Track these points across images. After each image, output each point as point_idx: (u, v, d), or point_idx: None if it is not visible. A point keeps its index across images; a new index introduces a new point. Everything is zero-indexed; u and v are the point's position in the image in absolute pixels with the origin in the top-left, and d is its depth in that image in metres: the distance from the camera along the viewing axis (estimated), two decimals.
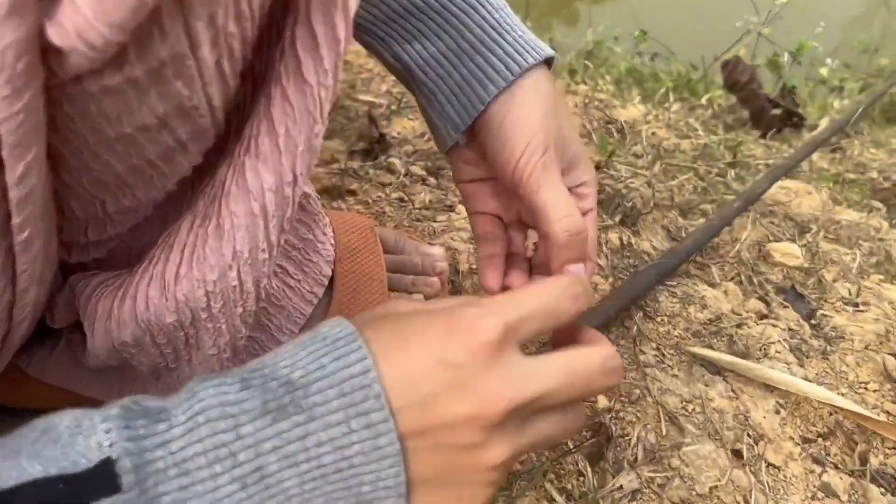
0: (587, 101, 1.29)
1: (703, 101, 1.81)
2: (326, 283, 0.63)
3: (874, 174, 1.51)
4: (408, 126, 1.13)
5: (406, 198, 0.92)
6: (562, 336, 0.45)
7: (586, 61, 1.75)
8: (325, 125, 0.43)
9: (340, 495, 0.37)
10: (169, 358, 0.51)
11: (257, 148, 0.41)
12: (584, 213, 0.51)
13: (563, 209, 0.46)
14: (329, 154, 1.05)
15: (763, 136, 1.66)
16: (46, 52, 0.30)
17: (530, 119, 0.47)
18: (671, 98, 1.60)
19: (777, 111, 1.79)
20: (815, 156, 1.55)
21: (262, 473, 0.36)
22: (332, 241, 0.64)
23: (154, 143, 0.40)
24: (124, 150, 0.40)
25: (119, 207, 0.47)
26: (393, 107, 1.20)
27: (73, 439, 0.32)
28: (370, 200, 0.91)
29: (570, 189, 0.50)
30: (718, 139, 1.34)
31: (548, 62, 0.51)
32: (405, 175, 0.97)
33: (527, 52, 0.49)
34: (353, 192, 0.92)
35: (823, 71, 2.68)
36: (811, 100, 2.34)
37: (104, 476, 0.32)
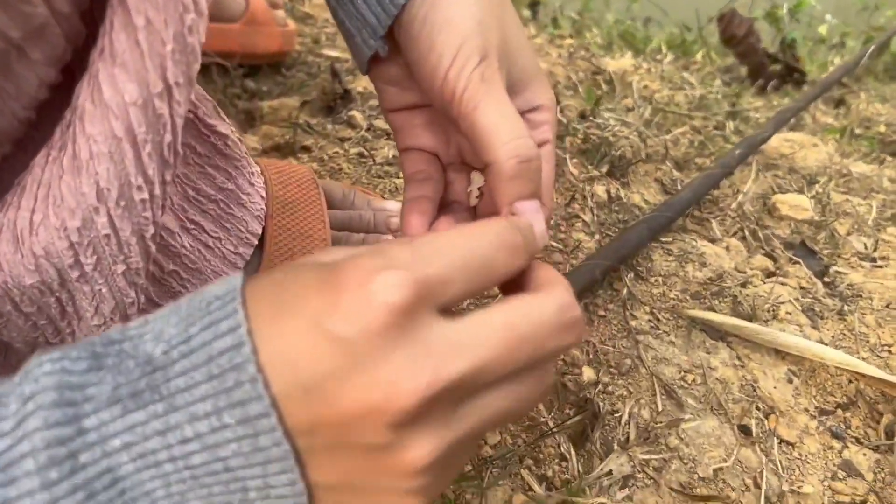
0: (572, 50, 1.19)
1: (699, 57, 1.71)
2: (255, 241, 0.53)
3: (882, 128, 1.42)
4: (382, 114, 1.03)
5: (366, 153, 0.82)
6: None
7: (574, 15, 1.64)
8: (204, 17, 0.33)
9: (223, 500, 0.27)
10: (46, 331, 0.41)
11: (112, 47, 0.32)
12: (538, 147, 0.39)
13: (509, 130, 0.35)
14: (287, 112, 0.94)
15: (762, 91, 1.56)
16: None
17: (462, 16, 0.36)
18: (664, 50, 1.49)
19: (776, 67, 1.69)
20: (818, 112, 1.46)
21: (114, 477, 0.26)
22: (263, 194, 0.55)
23: None
24: None
25: None
26: None
27: None
28: (326, 157, 0.81)
29: (520, 114, 0.39)
30: (716, 90, 1.24)
31: None
32: (367, 130, 0.87)
33: None
34: (307, 149, 0.82)
35: (822, 29, 2.57)
36: (811, 58, 2.23)
37: None
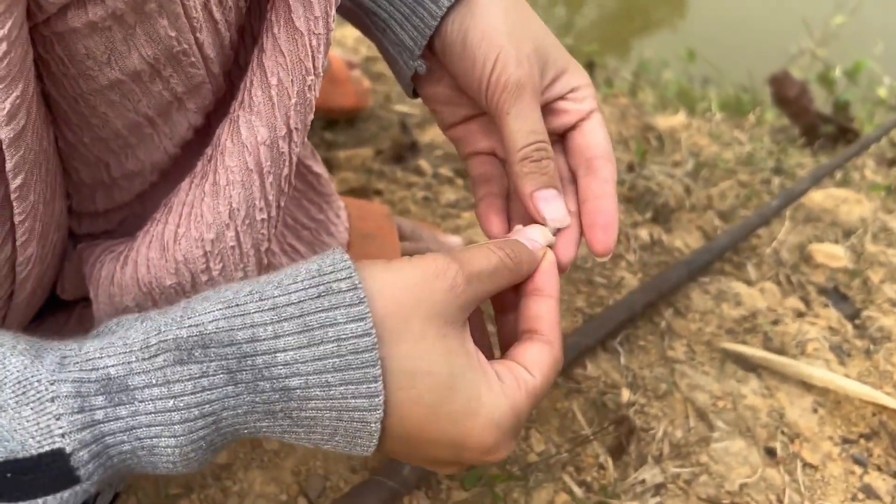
0: (624, 109, 1.27)
1: (752, 117, 1.77)
2: None
3: None
4: (440, 134, 1.13)
5: (432, 196, 0.91)
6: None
7: (628, 76, 1.74)
8: (320, 78, 0.42)
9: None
10: None
11: (251, 100, 0.41)
12: (584, 118, 0.46)
13: (526, 136, 0.42)
14: (360, 160, 1.05)
15: (814, 152, 1.61)
16: None
17: (495, 31, 0.43)
18: (713, 107, 1.57)
19: (829, 128, 1.73)
20: (868, 170, 1.50)
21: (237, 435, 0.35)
22: (347, 225, 0.64)
23: (148, 95, 0.41)
24: (120, 102, 0.40)
25: (123, 171, 0.47)
26: (426, 116, 1.21)
27: (19, 409, 0.30)
28: (395, 200, 0.90)
29: (562, 97, 0.46)
30: (764, 147, 1.30)
31: None
32: (433, 176, 0.97)
33: None
34: (379, 192, 0.92)
35: (882, 91, 2.60)
36: (869, 120, 2.27)
37: (58, 467, 0.30)
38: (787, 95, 1.78)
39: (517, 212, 0.49)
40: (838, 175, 1.28)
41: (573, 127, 0.47)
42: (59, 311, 0.57)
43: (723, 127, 1.47)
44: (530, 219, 0.45)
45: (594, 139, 0.46)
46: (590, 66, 1.68)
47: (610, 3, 3.94)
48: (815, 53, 2.55)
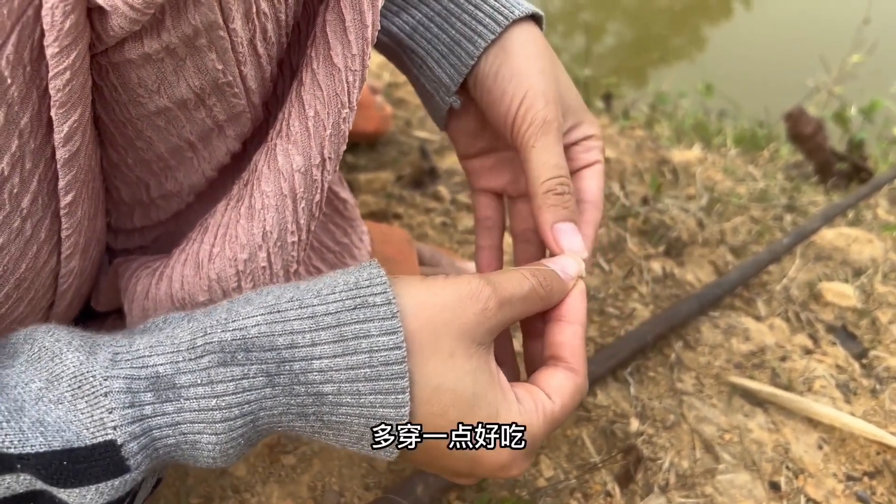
0: (640, 141, 1.29)
1: (766, 153, 1.79)
2: None
3: None
4: (458, 161, 1.16)
5: (450, 222, 0.93)
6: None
7: (646, 109, 1.76)
8: (354, 111, 0.45)
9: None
10: None
11: (288, 129, 0.44)
12: (589, 165, 0.50)
13: (552, 169, 0.45)
14: (380, 184, 1.07)
15: (827, 189, 1.63)
16: (91, 14, 0.33)
17: (527, 69, 0.46)
18: (729, 143, 1.59)
19: (843, 165, 1.75)
20: (881, 209, 1.51)
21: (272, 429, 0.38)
22: (369, 249, 0.66)
23: (192, 122, 0.43)
24: (165, 127, 0.43)
25: (162, 192, 0.50)
26: (445, 143, 1.23)
27: (75, 402, 0.32)
28: (414, 224, 0.92)
29: (575, 143, 0.50)
30: (777, 184, 1.32)
31: (537, 22, 0.50)
32: (451, 203, 0.99)
33: (513, 6, 0.49)
34: (398, 216, 0.94)
35: None
36: (884, 159, 2.28)
37: (110, 457, 0.32)
38: (803, 132, 1.80)
39: (521, 254, 0.52)
40: (850, 214, 1.30)
41: (575, 172, 0.50)
42: (92, 322, 0.59)
43: (737, 162, 1.49)
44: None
45: (589, 185, 0.50)
46: (607, 98, 1.71)
47: (628, 34, 3.98)
48: (832, 91, 2.58)
